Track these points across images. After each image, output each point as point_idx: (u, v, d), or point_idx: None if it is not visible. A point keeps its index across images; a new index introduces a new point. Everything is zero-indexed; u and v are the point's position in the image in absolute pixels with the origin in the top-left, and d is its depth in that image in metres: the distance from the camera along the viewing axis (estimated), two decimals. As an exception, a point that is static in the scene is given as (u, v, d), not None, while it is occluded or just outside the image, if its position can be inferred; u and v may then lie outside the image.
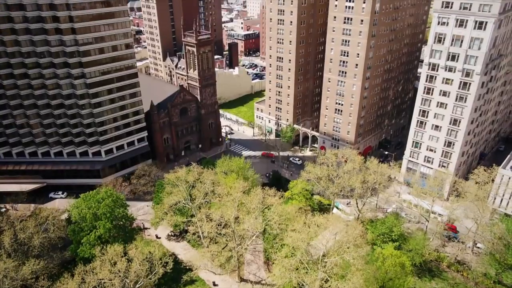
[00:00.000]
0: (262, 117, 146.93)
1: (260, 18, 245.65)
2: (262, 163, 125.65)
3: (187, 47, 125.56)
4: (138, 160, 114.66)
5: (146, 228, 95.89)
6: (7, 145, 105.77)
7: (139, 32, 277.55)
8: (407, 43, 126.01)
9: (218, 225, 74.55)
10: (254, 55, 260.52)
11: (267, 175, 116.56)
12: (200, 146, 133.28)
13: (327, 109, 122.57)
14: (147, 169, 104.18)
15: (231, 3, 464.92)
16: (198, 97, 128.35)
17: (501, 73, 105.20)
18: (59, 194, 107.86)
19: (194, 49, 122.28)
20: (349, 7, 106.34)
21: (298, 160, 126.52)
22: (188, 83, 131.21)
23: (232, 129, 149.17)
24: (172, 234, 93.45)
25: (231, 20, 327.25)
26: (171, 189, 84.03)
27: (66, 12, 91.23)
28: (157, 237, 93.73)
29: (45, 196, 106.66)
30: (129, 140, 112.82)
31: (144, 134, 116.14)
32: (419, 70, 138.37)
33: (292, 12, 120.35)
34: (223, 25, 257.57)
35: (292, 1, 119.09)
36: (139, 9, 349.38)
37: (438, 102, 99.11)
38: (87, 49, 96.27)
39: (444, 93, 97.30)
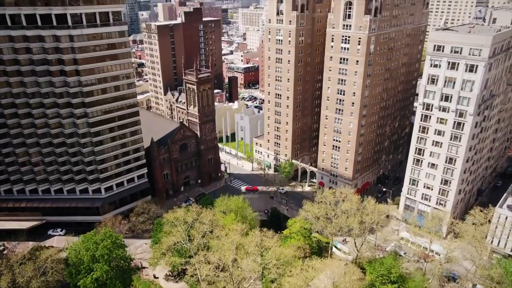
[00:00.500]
0: (261, 152, 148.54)
1: (259, 51, 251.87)
2: (260, 199, 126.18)
3: (187, 84, 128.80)
4: (138, 197, 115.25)
5: (144, 267, 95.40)
6: (8, 182, 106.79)
7: (141, 64, 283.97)
8: (402, 81, 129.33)
9: (216, 268, 74.50)
10: (253, 87, 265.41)
11: (266, 211, 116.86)
12: (199, 181, 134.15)
13: (325, 145, 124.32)
14: (146, 206, 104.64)
15: (231, 35, 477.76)
16: (198, 133, 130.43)
17: (494, 111, 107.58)
18: (57, 232, 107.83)
19: (195, 87, 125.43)
20: (345, 48, 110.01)
21: (282, 189, 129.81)
22: (188, 119, 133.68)
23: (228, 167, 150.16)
24: (170, 274, 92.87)
25: (231, 52, 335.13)
26: (169, 228, 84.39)
27: (71, 55, 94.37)
28: (155, 277, 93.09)
29: (44, 233, 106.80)
30: (129, 177, 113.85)
31: (144, 170, 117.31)
32: (415, 104, 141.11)
33: (289, 51, 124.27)
34: (223, 57, 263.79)
35: (289, 41, 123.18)
36: (141, 42, 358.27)
37: (433, 141, 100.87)
38: (90, 90, 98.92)
39: (439, 132, 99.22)
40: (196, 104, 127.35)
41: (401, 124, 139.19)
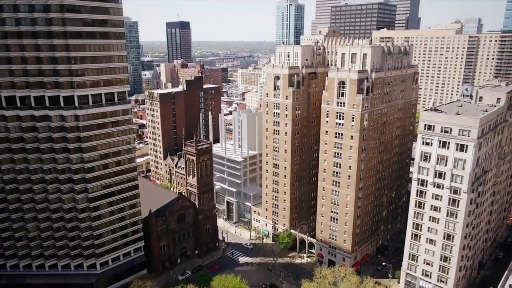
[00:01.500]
0: (259, 220, 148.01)
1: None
2: (259, 272, 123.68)
3: (187, 155, 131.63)
4: (133, 271, 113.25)
5: None
6: (2, 258, 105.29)
7: (142, 126, 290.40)
8: (397, 152, 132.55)
9: None
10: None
11: (264, 287, 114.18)
12: (196, 252, 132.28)
13: (322, 216, 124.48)
14: (141, 284, 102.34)
15: (231, 94, 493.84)
16: (196, 203, 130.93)
17: (488, 185, 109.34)
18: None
19: (194, 158, 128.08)
20: (339, 123, 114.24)
21: (250, 245, 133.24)
22: (187, 189, 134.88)
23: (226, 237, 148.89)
24: None
25: (230, 113, 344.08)
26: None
27: (75, 134, 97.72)
28: None
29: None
30: (125, 250, 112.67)
31: (141, 244, 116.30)
32: (411, 168, 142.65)
33: (286, 124, 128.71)
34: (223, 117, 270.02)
35: (286, 115, 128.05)
36: (143, 102, 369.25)
37: (430, 217, 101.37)
38: (92, 166, 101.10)
39: (435, 208, 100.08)
40: (195, 175, 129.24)
41: (398, 193, 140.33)
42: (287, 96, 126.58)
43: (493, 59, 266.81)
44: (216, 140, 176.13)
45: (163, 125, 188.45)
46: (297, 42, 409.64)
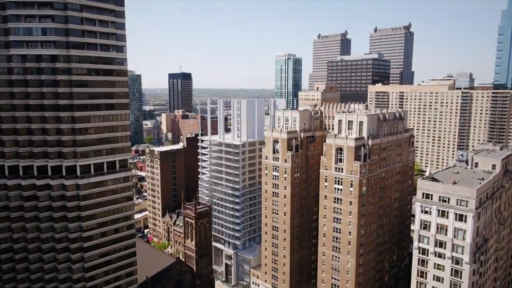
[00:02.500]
0: (259, 284, 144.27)
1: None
2: None
3: (186, 218, 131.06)
4: None
5: None
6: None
7: (142, 178, 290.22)
8: (397, 215, 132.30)
9: None
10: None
11: None
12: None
13: (323, 283, 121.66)
14: None
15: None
16: (194, 268, 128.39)
17: (490, 252, 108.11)
18: None
19: (193, 221, 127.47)
20: (338, 189, 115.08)
21: None
22: (184, 253, 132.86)
23: None
24: None
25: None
26: None
27: (75, 202, 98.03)
28: None
29: None
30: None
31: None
32: (412, 227, 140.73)
33: (285, 187, 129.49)
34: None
35: (285, 178, 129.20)
36: (143, 152, 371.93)
37: (433, 287, 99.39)
38: (90, 235, 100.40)
39: (438, 279, 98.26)
40: (194, 238, 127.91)
41: (399, 256, 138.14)
42: (286, 160, 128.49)
43: (486, 113, 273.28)
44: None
45: (163, 182, 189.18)
46: (295, 93, 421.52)
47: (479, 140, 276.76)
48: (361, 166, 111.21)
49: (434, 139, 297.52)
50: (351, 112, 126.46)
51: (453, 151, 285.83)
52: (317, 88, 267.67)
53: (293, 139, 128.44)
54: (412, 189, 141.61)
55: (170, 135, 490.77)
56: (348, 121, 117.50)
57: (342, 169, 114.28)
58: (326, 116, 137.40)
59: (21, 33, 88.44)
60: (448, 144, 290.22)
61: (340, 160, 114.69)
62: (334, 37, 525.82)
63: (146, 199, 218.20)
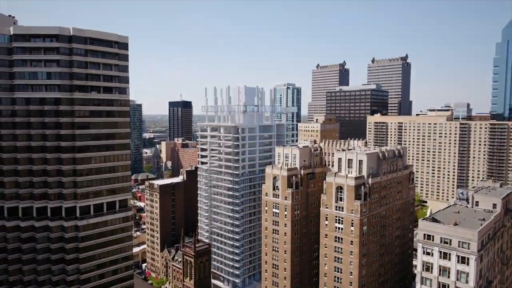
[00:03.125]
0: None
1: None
2: None
3: (185, 256, 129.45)
4: None
5: None
6: None
7: (140, 209, 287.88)
8: (398, 253, 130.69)
9: None
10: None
11: None
12: None
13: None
14: None
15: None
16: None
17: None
18: None
19: (192, 260, 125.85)
20: (339, 228, 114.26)
21: None
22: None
23: None
24: None
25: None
26: None
27: (73, 244, 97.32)
28: None
29: None
30: None
31: None
32: (414, 262, 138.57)
33: (286, 224, 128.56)
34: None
35: (285, 215, 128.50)
36: (142, 181, 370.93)
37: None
38: (88, 277, 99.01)
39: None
40: (193, 277, 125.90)
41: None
42: (286, 197, 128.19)
43: (485, 144, 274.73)
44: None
45: (162, 216, 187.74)
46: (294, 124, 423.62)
47: (478, 171, 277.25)
48: (362, 205, 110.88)
49: (434, 170, 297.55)
50: (351, 149, 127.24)
51: (453, 181, 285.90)
52: (317, 119, 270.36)
53: (293, 176, 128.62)
54: (413, 223, 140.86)
55: (169, 164, 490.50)
56: (348, 159, 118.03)
57: (342, 208, 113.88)
58: (325, 153, 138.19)
59: (26, 77, 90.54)
60: (448, 174, 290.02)
61: (341, 199, 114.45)
62: (333, 67, 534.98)
63: (145, 232, 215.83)
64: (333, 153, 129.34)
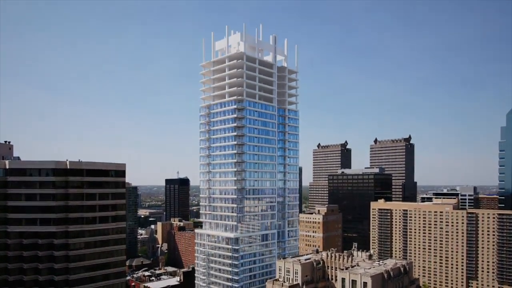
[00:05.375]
0: None
1: None
2: None
3: None
4: None
5: None
6: None
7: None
8: None
9: None
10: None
11: None
12: None
13: None
14: None
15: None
16: None
17: None
18: None
19: None
20: None
21: None
22: None
23: None
24: None
25: None
26: None
27: None
28: None
29: None
30: None
31: None
32: None
33: None
34: None
35: None
36: (137, 267, 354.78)
37: None
38: None
39: None
40: None
41: None
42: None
43: (494, 234, 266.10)
44: None
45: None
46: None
47: (488, 261, 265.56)
48: None
49: (441, 259, 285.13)
50: (355, 266, 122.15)
51: (462, 272, 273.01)
52: (318, 211, 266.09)
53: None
54: None
55: (165, 246, 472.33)
56: (352, 280, 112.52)
57: None
58: (328, 267, 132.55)
59: (20, 211, 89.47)
60: (456, 265, 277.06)
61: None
62: (334, 147, 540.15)
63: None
64: (336, 267, 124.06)
